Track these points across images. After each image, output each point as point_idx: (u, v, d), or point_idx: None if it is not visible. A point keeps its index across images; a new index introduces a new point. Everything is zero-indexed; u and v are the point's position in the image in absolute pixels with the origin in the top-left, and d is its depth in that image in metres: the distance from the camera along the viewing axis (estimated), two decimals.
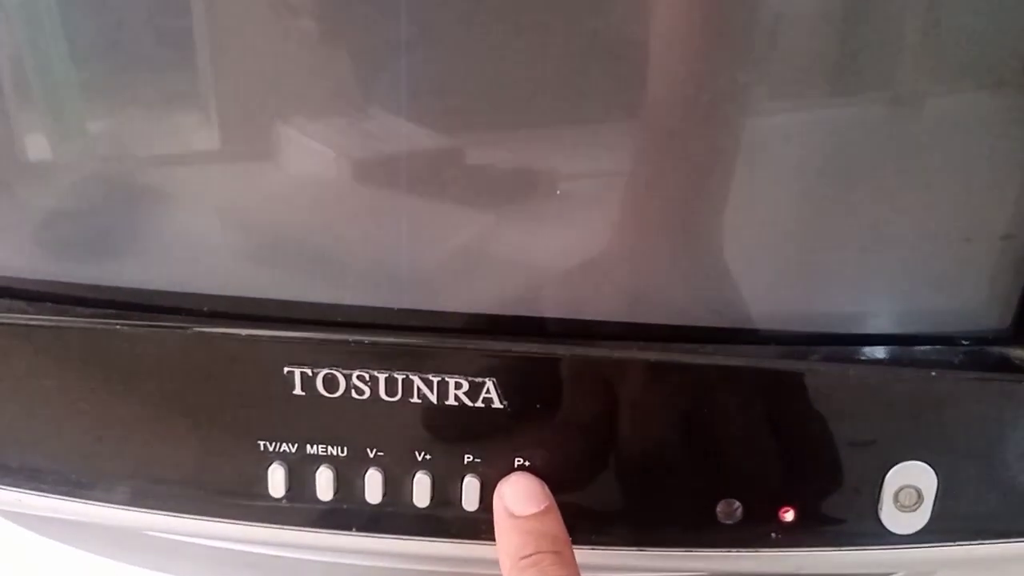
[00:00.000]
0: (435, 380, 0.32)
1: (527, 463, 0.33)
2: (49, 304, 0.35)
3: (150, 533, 0.37)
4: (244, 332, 0.33)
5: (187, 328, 0.33)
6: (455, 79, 0.31)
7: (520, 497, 0.33)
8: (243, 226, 0.35)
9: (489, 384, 0.32)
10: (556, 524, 0.32)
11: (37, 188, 0.36)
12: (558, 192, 0.32)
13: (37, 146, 0.35)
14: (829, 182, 0.32)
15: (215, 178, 0.34)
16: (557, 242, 0.33)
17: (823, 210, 0.33)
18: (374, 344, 0.32)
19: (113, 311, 0.34)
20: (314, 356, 0.33)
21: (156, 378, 0.34)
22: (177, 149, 0.34)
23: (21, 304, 0.35)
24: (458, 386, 0.32)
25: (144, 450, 0.35)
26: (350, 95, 0.33)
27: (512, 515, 0.32)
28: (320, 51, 0.32)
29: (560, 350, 0.32)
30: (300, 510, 0.34)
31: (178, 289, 0.34)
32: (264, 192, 0.34)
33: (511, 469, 0.33)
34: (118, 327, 0.34)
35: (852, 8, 0.30)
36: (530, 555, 0.31)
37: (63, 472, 0.36)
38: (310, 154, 0.33)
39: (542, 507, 0.32)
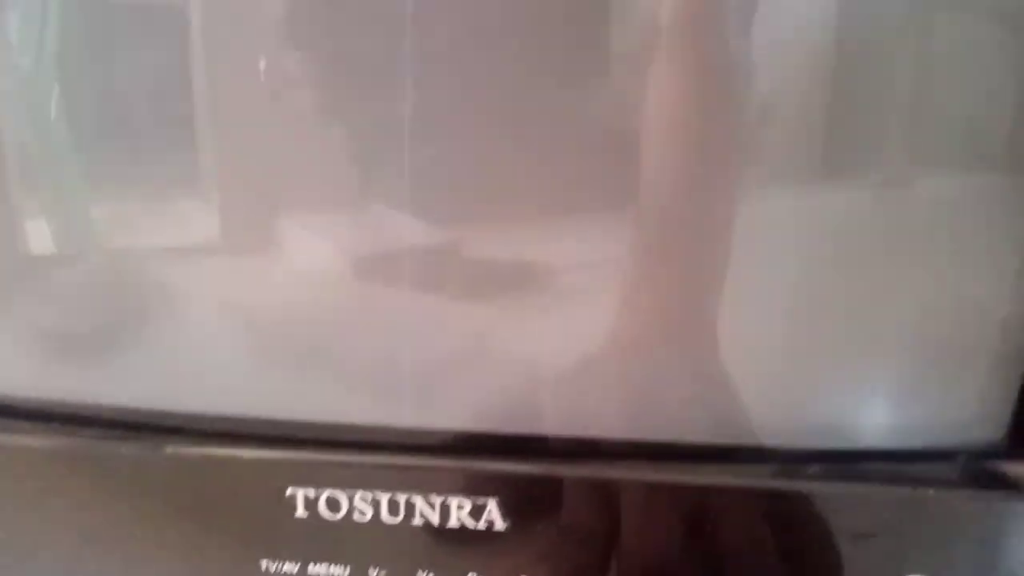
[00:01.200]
0: (437, 501, 0.33)
1: None
2: (56, 424, 0.35)
3: None
4: (247, 455, 0.33)
5: (191, 451, 0.34)
6: (454, 170, 0.32)
7: None
8: (243, 335, 0.35)
9: (491, 504, 0.32)
10: None
11: (37, 291, 0.36)
12: (556, 284, 0.33)
13: (40, 240, 0.36)
14: (823, 275, 0.33)
15: (215, 276, 0.35)
16: (558, 342, 0.34)
17: (818, 307, 0.33)
18: (376, 465, 0.33)
19: (117, 431, 0.35)
20: (317, 477, 0.33)
21: (156, 498, 0.34)
22: (177, 243, 0.35)
23: (23, 424, 0.35)
24: (460, 507, 0.33)
25: (147, 570, 0.35)
26: (349, 189, 0.33)
27: None
28: (319, 141, 0.33)
29: (562, 470, 0.33)
30: None
31: (180, 409, 0.35)
32: (265, 296, 0.35)
33: None
34: (120, 450, 0.34)
35: (839, 94, 0.31)
36: None
37: None
38: (310, 251, 0.34)
39: None
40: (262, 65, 0.32)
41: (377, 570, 0.34)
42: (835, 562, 0.33)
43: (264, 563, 0.34)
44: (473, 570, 0.33)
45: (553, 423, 0.33)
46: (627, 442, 0.33)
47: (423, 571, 0.33)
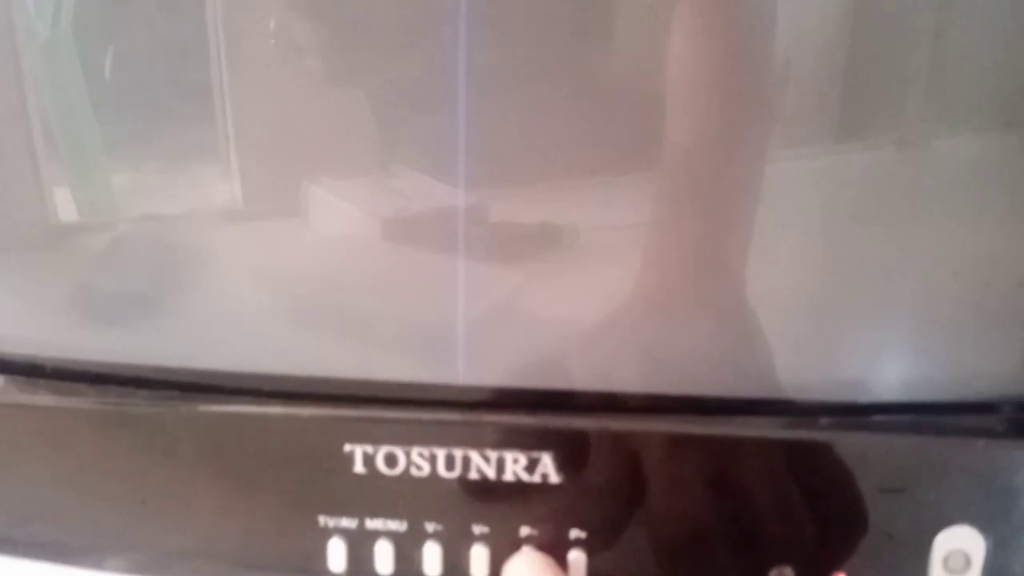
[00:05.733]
0: (493, 456, 0.33)
1: (581, 536, 0.34)
2: (113, 387, 0.36)
3: None
4: (307, 413, 0.34)
5: (250, 410, 0.35)
6: (479, 132, 0.32)
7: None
8: (295, 297, 0.36)
9: (546, 458, 0.33)
10: None
11: (75, 254, 0.37)
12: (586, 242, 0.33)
13: (67, 207, 0.36)
14: (847, 231, 0.33)
15: (261, 241, 0.36)
16: (601, 300, 0.34)
17: (844, 261, 0.34)
18: (434, 422, 0.33)
19: (175, 393, 0.35)
20: (375, 434, 0.34)
21: (216, 457, 0.35)
22: (217, 209, 0.36)
23: (82, 387, 0.36)
24: (515, 461, 0.33)
25: (204, 527, 0.36)
26: (377, 152, 0.34)
27: None
28: (345, 104, 0.34)
29: (615, 424, 0.33)
30: None
31: (238, 369, 0.35)
32: (319, 261, 0.36)
33: (565, 542, 0.34)
34: (179, 410, 0.35)
35: (860, 49, 0.32)
36: None
37: (119, 550, 0.37)
38: (344, 215, 0.34)
39: None
40: (281, 27, 0.32)
41: (433, 524, 0.34)
42: (882, 513, 0.33)
43: (322, 519, 0.35)
44: (526, 523, 0.34)
45: (620, 380, 0.34)
46: (683, 397, 0.34)
47: (477, 525, 0.34)
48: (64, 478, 0.36)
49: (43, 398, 0.36)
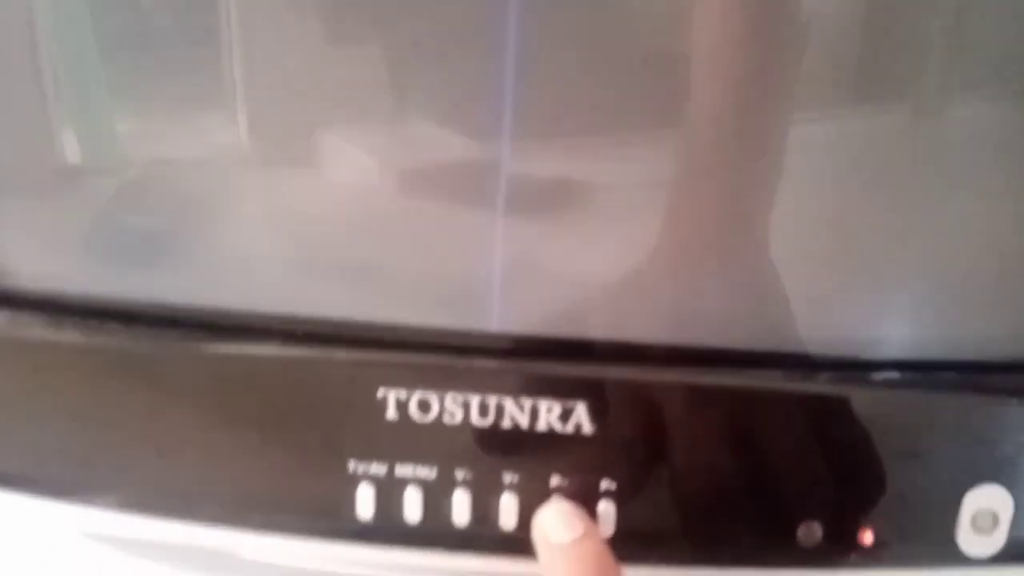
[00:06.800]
0: (527, 404, 0.33)
1: (611, 487, 0.34)
2: (140, 328, 0.36)
3: (236, 552, 0.38)
4: (341, 355, 0.34)
5: (282, 352, 0.34)
6: (500, 88, 0.32)
7: (558, 525, 0.33)
8: (331, 245, 0.36)
9: (580, 408, 0.33)
10: (597, 547, 0.33)
11: (90, 196, 0.37)
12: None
13: (75, 150, 0.36)
14: (870, 191, 0.33)
15: (289, 187, 0.35)
16: (629, 253, 0.34)
17: (864, 222, 0.34)
18: (469, 368, 0.33)
19: (203, 332, 0.35)
20: (409, 379, 0.34)
21: (247, 399, 0.35)
22: (240, 155, 0.35)
23: (115, 325, 0.36)
24: (549, 410, 0.33)
25: (232, 470, 0.36)
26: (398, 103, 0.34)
27: (552, 544, 0.33)
28: (362, 54, 0.33)
29: (649, 375, 0.33)
30: (388, 530, 0.35)
31: (270, 311, 0.35)
32: (354, 210, 0.35)
33: (596, 493, 0.34)
34: (211, 350, 0.35)
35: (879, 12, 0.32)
36: None
37: (143, 492, 0.37)
38: (364, 166, 0.34)
39: (580, 533, 0.33)
40: None
41: (463, 472, 0.34)
42: (911, 470, 0.34)
43: (352, 463, 0.35)
44: (557, 472, 0.34)
45: (643, 330, 0.34)
46: (715, 349, 0.34)
47: (508, 473, 0.34)
48: (91, 417, 0.36)
49: (70, 335, 0.35)
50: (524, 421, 0.33)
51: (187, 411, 0.35)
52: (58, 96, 0.35)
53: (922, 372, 0.34)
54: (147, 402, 0.36)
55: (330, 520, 0.35)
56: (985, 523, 0.34)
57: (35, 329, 0.35)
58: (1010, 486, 0.33)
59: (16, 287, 0.36)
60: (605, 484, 0.34)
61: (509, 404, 0.33)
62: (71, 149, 0.36)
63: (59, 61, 0.35)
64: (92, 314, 0.36)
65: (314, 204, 0.36)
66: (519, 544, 0.35)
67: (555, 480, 0.34)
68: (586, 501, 0.34)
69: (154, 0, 0.34)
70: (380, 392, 0.34)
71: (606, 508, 0.34)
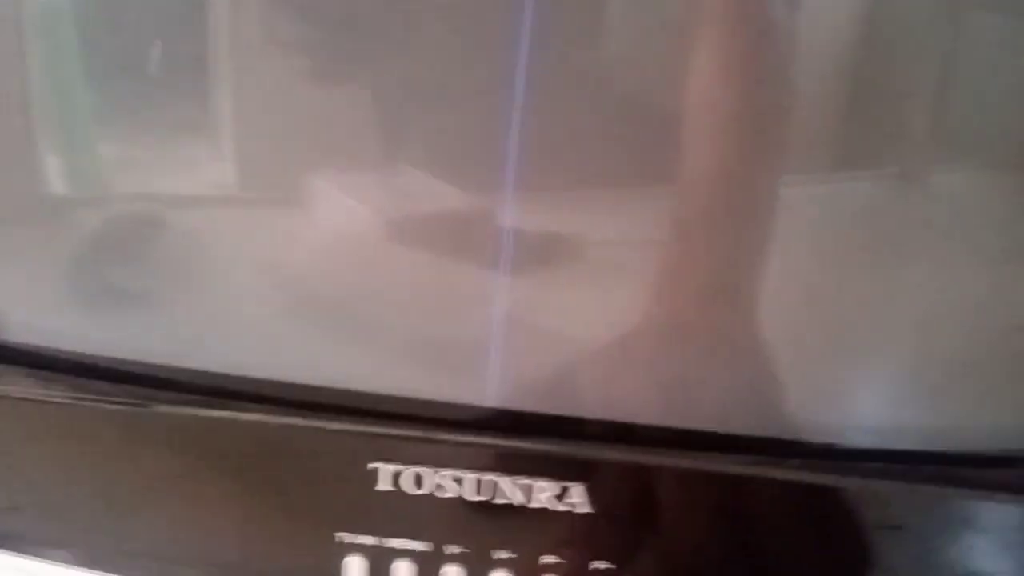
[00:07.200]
0: (521, 483, 0.33)
1: (604, 566, 0.34)
2: (129, 387, 0.35)
3: None
4: (332, 426, 0.33)
5: (271, 419, 0.34)
6: (489, 138, 0.32)
7: None
8: (320, 299, 0.35)
9: (576, 489, 0.33)
10: None
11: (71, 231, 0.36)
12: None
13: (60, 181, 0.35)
14: (854, 262, 0.33)
15: (272, 238, 0.35)
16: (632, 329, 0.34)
17: (854, 295, 0.33)
18: (464, 445, 0.33)
19: (197, 398, 0.34)
20: (401, 455, 0.33)
21: (233, 464, 0.35)
22: (217, 197, 0.35)
23: (103, 386, 0.35)
24: (543, 490, 0.33)
25: (216, 537, 0.35)
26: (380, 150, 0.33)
27: None
28: (346, 100, 0.33)
29: (650, 458, 0.33)
30: None
31: (258, 375, 0.34)
32: (344, 263, 0.35)
33: (587, 571, 0.34)
34: (201, 415, 0.34)
35: (865, 82, 0.32)
36: None
37: (130, 556, 0.36)
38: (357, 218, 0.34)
39: None
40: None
41: (455, 547, 0.34)
42: (888, 561, 0.34)
43: (338, 535, 0.34)
44: (550, 552, 0.34)
45: (641, 411, 0.34)
46: (716, 434, 0.33)
47: (501, 550, 0.34)
48: (79, 476, 0.35)
49: (59, 393, 0.35)
50: (518, 499, 0.33)
51: (170, 474, 0.35)
52: (43, 126, 0.35)
53: (907, 463, 0.34)
54: (128, 464, 0.35)
55: None
56: None
57: (22, 386, 0.35)
58: None
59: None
60: (597, 563, 0.34)
61: (504, 482, 0.33)
62: (56, 180, 0.36)
63: (46, 92, 0.34)
64: (79, 372, 0.35)
65: (302, 254, 0.35)
66: None
67: (547, 558, 0.34)
68: None
69: (143, 34, 0.33)
70: (371, 464, 0.33)
71: None
